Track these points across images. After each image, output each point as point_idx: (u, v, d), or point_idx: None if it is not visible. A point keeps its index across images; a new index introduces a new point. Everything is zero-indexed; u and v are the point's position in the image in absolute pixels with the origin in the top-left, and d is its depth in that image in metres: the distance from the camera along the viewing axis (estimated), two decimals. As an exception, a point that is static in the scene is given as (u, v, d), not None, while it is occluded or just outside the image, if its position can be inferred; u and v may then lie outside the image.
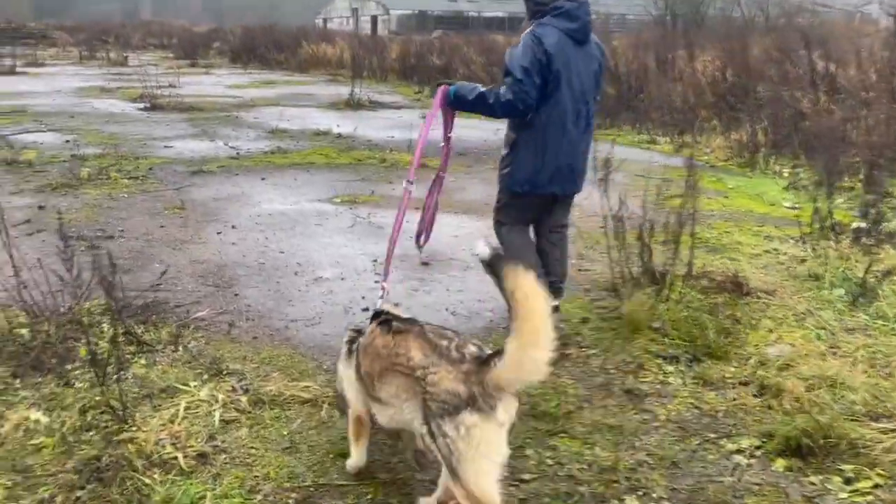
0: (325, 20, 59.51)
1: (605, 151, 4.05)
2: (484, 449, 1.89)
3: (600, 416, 2.95)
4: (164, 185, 6.84)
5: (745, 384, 3.20)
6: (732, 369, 3.33)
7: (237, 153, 8.61)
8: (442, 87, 3.42)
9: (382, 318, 2.30)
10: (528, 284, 1.86)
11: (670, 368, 3.37)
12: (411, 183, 3.08)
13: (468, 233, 5.57)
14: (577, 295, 4.29)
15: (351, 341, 2.44)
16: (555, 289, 3.58)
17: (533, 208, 3.63)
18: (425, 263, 4.80)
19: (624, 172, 8.28)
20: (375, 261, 4.84)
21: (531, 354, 1.84)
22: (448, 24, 54.33)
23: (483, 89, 3.38)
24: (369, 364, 2.23)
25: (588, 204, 6.29)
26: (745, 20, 32.32)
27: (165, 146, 8.95)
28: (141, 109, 12.36)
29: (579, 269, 4.77)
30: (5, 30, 29.15)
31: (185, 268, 4.58)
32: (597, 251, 5.15)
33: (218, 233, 5.36)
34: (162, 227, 5.46)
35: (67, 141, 8.85)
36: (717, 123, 10.29)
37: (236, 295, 4.16)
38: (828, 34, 14.61)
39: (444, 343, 2.07)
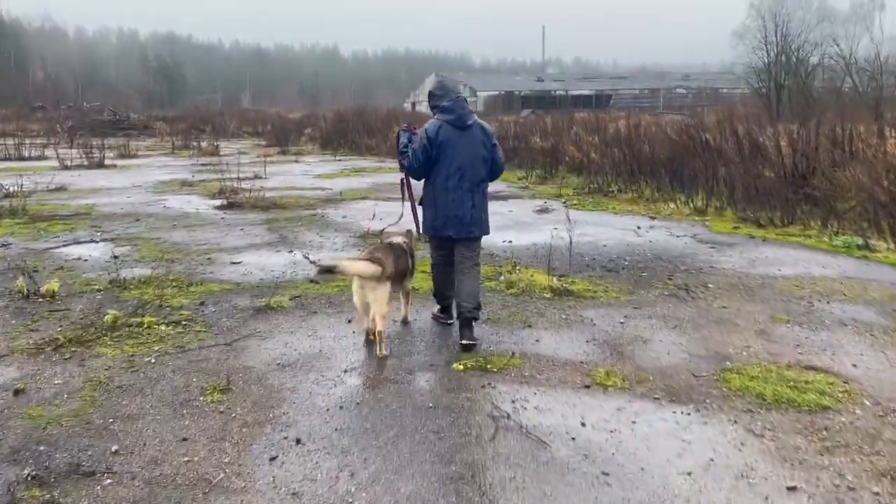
0: (413, 104, 59.83)
1: None
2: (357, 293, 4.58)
3: None
4: (211, 336, 4.82)
5: None
6: None
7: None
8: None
9: None
10: (355, 264, 4.52)
11: None
12: None
13: (692, 447, 3.12)
14: None
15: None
16: (466, 313, 4.60)
17: (443, 247, 4.91)
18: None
19: (864, 304, 5.68)
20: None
21: (361, 281, 4.44)
22: (535, 103, 53.10)
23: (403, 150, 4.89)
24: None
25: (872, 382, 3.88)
26: (857, 90, 28.99)
27: (232, 262, 7.10)
28: (217, 208, 10.81)
29: None
30: (108, 122, 29.72)
31: (198, 574, 2.37)
32: None
33: (272, 458, 3.15)
34: (185, 440, 3.32)
35: (116, 257, 7.15)
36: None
37: None
38: None
39: None
